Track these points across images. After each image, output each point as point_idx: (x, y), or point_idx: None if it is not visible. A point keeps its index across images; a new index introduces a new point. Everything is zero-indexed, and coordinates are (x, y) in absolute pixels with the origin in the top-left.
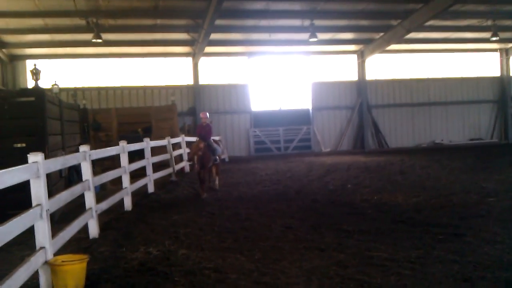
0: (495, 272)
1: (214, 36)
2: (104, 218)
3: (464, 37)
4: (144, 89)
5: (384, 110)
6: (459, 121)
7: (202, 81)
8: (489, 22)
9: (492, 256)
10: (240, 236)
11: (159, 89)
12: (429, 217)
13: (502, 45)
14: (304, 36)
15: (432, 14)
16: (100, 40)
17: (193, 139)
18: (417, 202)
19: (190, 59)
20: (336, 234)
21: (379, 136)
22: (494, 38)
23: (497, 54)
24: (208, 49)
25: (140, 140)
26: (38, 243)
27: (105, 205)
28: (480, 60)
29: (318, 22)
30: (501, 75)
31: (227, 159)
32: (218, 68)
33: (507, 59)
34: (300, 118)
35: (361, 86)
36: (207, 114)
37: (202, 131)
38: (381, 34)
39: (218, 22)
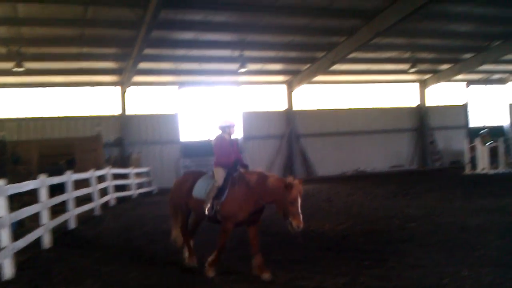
0: None
1: (143, 65)
2: (21, 257)
3: (385, 68)
4: (68, 119)
5: (312, 139)
6: (381, 149)
7: (130, 111)
8: (408, 55)
9: (415, 279)
10: (168, 271)
11: (84, 119)
12: (355, 244)
13: (420, 76)
14: (234, 66)
15: (355, 47)
16: (21, 69)
17: (125, 171)
18: (344, 229)
19: (118, 88)
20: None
21: (308, 164)
22: (412, 70)
23: (416, 84)
24: (137, 78)
25: (62, 173)
26: None
27: (22, 243)
28: (400, 91)
29: (247, 53)
30: (419, 105)
31: (155, 191)
32: (147, 98)
33: (424, 90)
34: None
35: (290, 116)
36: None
37: (231, 153)
38: (308, 65)
39: (147, 51)
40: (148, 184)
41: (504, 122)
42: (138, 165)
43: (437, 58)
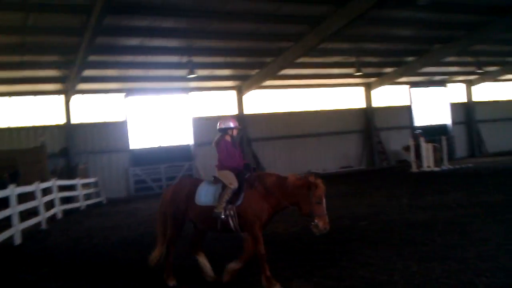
0: None
1: (88, 72)
2: None
3: (332, 72)
4: (11, 130)
5: (264, 143)
6: (331, 150)
7: (75, 119)
8: (353, 59)
9: (366, 278)
10: (118, 285)
11: (28, 130)
12: (308, 245)
13: (365, 80)
14: (183, 72)
15: (302, 52)
16: None
17: (71, 182)
18: (297, 231)
19: (62, 96)
20: (220, 270)
21: (260, 168)
22: (357, 73)
23: (362, 87)
24: (82, 86)
25: (5, 186)
26: None
27: None
28: (348, 94)
29: (196, 59)
30: (366, 107)
31: (104, 201)
32: (93, 106)
33: (370, 92)
34: (182, 155)
35: (241, 121)
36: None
37: (236, 155)
38: (257, 70)
39: (92, 58)
40: (97, 194)
41: (446, 121)
42: (85, 175)
43: (381, 61)
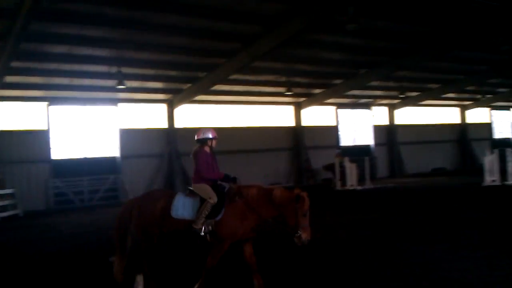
0: None
1: (10, 78)
2: None
3: (264, 90)
4: None
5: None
6: (260, 167)
7: None
8: (284, 78)
9: None
10: None
11: None
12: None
13: (296, 99)
14: (112, 82)
15: (235, 69)
16: None
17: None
18: None
19: None
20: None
21: (189, 183)
22: (288, 93)
23: (292, 107)
24: (4, 92)
25: None
26: None
27: None
28: (278, 112)
29: (126, 70)
30: (295, 125)
31: (21, 214)
32: (14, 113)
33: (299, 111)
34: (107, 167)
35: (171, 134)
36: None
37: (214, 167)
38: (189, 85)
39: (15, 64)
40: (13, 207)
41: (369, 142)
42: (1, 186)
43: (311, 82)
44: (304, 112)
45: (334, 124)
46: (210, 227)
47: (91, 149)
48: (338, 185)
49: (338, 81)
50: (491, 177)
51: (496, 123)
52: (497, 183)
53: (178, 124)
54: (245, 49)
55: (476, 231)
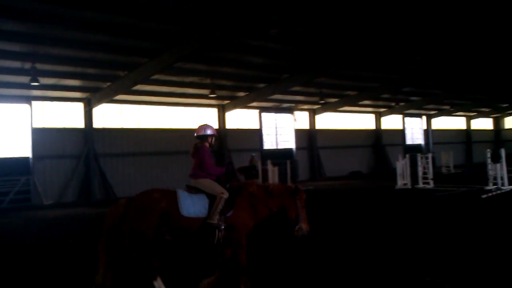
0: None
1: None
2: None
3: (188, 92)
4: None
5: (113, 159)
6: (184, 169)
7: None
8: (208, 81)
9: None
10: None
11: None
12: None
13: (219, 102)
14: (25, 79)
15: (158, 69)
16: None
17: None
18: None
19: None
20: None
21: (107, 185)
22: (212, 95)
23: (215, 109)
24: None
25: None
26: None
27: None
28: (202, 114)
29: (40, 66)
30: (219, 127)
31: None
32: None
33: (224, 114)
34: (18, 168)
35: (88, 135)
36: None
37: (194, 166)
38: (109, 83)
39: None
40: None
41: (291, 146)
42: None
43: (235, 85)
44: (228, 115)
45: (257, 127)
46: (221, 222)
47: (0, 149)
48: None
49: (261, 85)
50: (403, 181)
51: (409, 130)
52: (408, 186)
53: (97, 123)
54: (168, 49)
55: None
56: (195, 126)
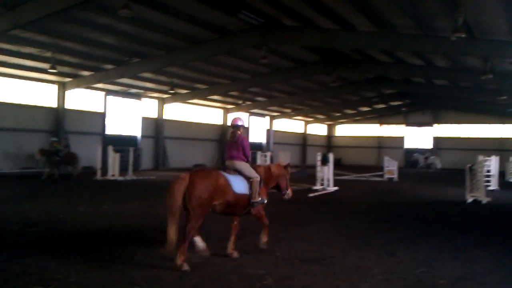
0: None
1: None
2: None
3: (25, 64)
4: None
5: None
6: (12, 148)
7: None
8: (49, 54)
9: None
10: None
11: None
12: None
13: (60, 78)
14: None
15: None
16: None
17: None
18: None
19: None
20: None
21: None
22: (52, 70)
23: (55, 86)
24: None
25: None
26: None
27: None
28: (39, 89)
29: None
30: (57, 106)
31: None
32: None
33: (64, 92)
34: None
35: None
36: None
37: (232, 150)
38: None
39: None
40: None
41: (136, 133)
42: None
43: (78, 63)
44: (69, 93)
45: (101, 110)
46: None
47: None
48: (99, 174)
49: (109, 66)
50: None
51: (253, 128)
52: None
53: None
54: (6, 14)
55: None
56: (29, 102)
